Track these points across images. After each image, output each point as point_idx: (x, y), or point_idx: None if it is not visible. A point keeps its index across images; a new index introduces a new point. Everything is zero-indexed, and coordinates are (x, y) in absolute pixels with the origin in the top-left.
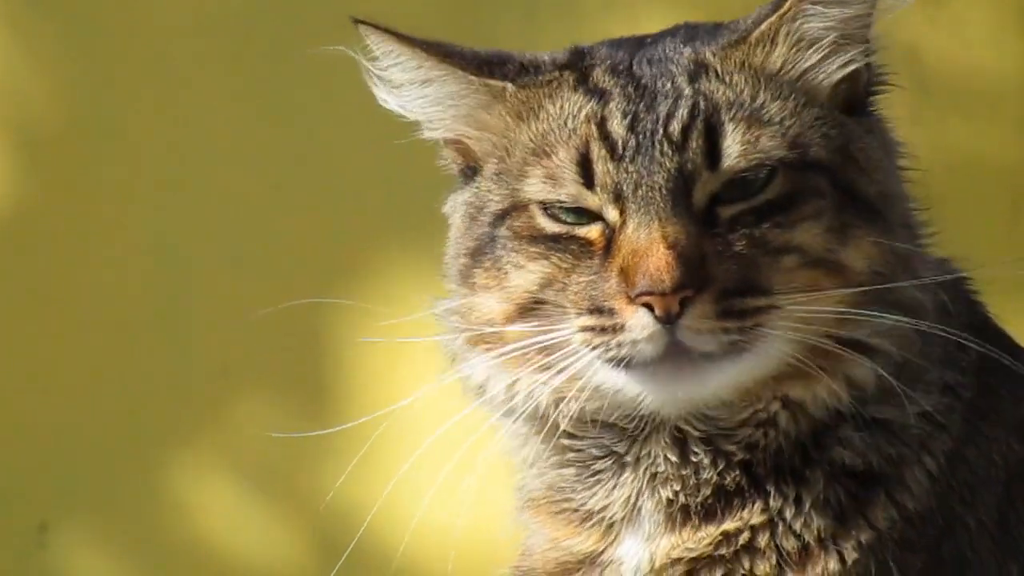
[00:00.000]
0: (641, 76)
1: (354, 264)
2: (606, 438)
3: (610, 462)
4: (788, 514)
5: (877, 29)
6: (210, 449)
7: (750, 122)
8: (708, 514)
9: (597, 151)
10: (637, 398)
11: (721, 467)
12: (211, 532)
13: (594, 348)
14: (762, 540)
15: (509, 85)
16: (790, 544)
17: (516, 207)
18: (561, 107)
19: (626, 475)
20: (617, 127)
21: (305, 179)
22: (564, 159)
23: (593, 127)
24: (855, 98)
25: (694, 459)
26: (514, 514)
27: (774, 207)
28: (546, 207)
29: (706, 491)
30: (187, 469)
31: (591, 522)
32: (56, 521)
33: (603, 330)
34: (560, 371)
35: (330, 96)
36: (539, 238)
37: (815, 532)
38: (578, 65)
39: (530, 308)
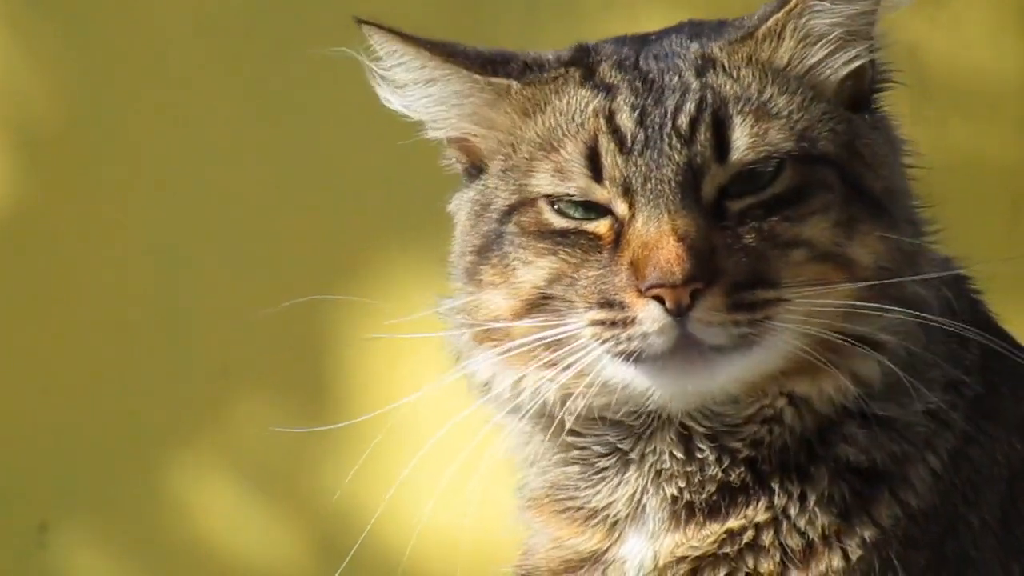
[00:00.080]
0: (648, 71)
1: (354, 264)
2: (611, 435)
3: (614, 459)
4: (792, 511)
5: (879, 27)
6: (210, 449)
7: (758, 115)
8: (712, 511)
9: (606, 144)
10: (646, 392)
11: (726, 464)
12: (211, 532)
13: (604, 342)
14: (766, 538)
15: (514, 83)
16: (794, 542)
17: (523, 202)
18: (568, 102)
19: (630, 472)
20: (626, 120)
21: (305, 179)
22: (573, 152)
23: (602, 120)
24: (860, 95)
25: (699, 456)
26: (516, 513)
27: (783, 201)
28: (553, 202)
29: (711, 488)
30: (187, 469)
31: (595, 520)
32: (56, 521)
33: (613, 324)
34: (567, 367)
35: (330, 96)
36: (547, 233)
37: (819, 529)
38: (584, 61)
39: (538, 304)
